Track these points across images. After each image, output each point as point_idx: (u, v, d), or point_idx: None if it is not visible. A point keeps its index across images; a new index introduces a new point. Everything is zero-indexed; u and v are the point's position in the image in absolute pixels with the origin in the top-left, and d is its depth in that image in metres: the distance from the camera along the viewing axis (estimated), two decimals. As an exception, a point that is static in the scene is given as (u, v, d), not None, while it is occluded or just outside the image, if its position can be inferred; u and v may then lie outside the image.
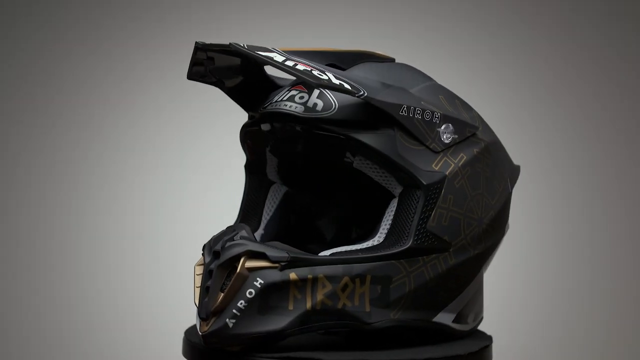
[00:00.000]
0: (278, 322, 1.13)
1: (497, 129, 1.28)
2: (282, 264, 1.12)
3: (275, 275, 1.12)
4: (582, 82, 2.07)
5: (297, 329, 1.13)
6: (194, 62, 1.20)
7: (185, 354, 1.21)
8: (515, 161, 1.32)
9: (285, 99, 1.20)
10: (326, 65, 1.21)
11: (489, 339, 1.24)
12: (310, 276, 1.13)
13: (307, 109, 1.17)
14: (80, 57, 2.05)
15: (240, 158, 2.06)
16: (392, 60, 1.25)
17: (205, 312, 1.14)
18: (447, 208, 1.15)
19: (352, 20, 2.07)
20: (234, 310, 1.12)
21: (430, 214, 1.15)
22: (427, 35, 2.06)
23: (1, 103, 2.04)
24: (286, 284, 1.12)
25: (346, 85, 1.12)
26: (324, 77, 1.11)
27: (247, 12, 2.07)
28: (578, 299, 2.02)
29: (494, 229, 1.21)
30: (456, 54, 2.05)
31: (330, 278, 1.13)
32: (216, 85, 1.25)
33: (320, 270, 1.13)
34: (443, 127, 1.17)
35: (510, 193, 1.24)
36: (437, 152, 1.16)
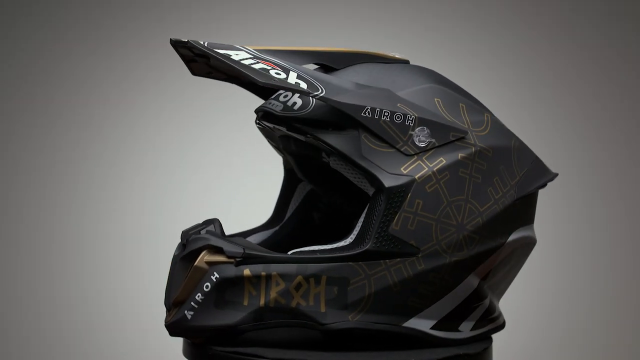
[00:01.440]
0: (232, 317, 1.15)
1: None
2: (237, 259, 1.14)
3: (231, 271, 1.14)
4: (582, 82, 2.07)
5: (252, 325, 1.15)
6: (187, 60, 1.20)
7: (185, 353, 1.21)
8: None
9: (274, 97, 1.21)
10: (318, 65, 1.22)
11: (474, 347, 1.21)
12: (263, 273, 1.14)
13: (285, 107, 1.18)
14: (80, 57, 2.05)
15: (240, 158, 2.06)
16: (404, 61, 1.24)
17: (168, 302, 1.17)
18: (414, 212, 1.13)
19: (352, 20, 2.07)
20: (192, 303, 1.15)
21: (393, 218, 1.13)
22: (427, 35, 2.06)
23: (1, 103, 2.05)
24: (240, 280, 1.14)
25: (302, 85, 1.11)
26: (280, 76, 1.11)
27: (247, 12, 2.07)
28: (578, 299, 2.02)
29: (484, 236, 1.17)
30: (456, 54, 2.05)
31: (283, 276, 1.14)
32: (230, 82, 1.25)
33: (274, 268, 1.14)
34: (417, 130, 1.15)
35: (518, 201, 1.20)
36: (410, 155, 1.14)
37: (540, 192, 1.26)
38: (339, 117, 1.14)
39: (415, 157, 1.15)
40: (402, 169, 1.14)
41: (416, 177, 1.14)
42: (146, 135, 2.05)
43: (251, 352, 1.15)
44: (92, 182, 2.04)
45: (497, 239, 1.18)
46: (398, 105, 1.15)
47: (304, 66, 1.18)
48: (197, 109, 2.04)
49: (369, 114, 1.14)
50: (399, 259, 1.14)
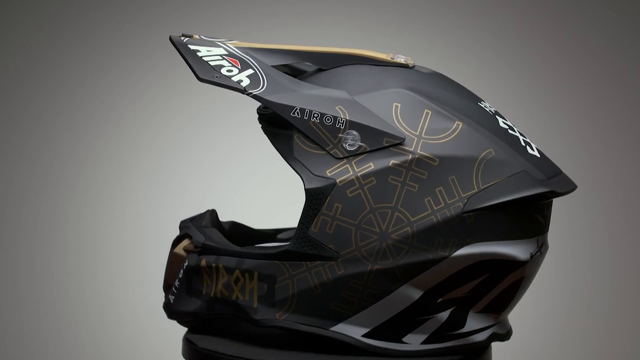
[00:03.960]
0: (194, 305, 1.19)
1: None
2: (198, 249, 1.19)
3: (193, 260, 1.19)
4: (582, 81, 2.07)
5: (206, 314, 1.19)
6: None
7: (185, 354, 1.22)
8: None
9: None
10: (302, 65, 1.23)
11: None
12: (214, 264, 1.17)
13: (264, 105, 1.20)
14: (81, 57, 2.06)
15: (240, 159, 2.06)
16: (402, 65, 1.21)
17: (164, 285, 1.25)
18: (332, 216, 1.12)
19: (352, 20, 2.07)
20: (173, 288, 1.22)
21: (312, 220, 1.12)
22: (427, 35, 2.06)
23: (1, 103, 2.05)
24: (199, 269, 1.19)
25: (244, 83, 1.14)
26: (231, 73, 1.14)
27: (246, 13, 2.07)
28: (578, 298, 2.02)
29: (415, 247, 1.13)
30: (456, 54, 2.05)
31: (227, 269, 1.17)
32: None
33: (222, 261, 1.17)
34: (345, 133, 1.13)
35: (469, 214, 1.14)
36: (339, 159, 1.13)
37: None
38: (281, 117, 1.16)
39: (345, 160, 1.13)
40: (327, 171, 1.13)
41: (337, 180, 1.13)
42: (146, 135, 2.05)
43: (189, 337, 1.20)
44: (92, 182, 2.04)
45: (436, 252, 1.13)
46: (336, 107, 1.14)
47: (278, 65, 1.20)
48: (197, 109, 2.05)
49: (298, 114, 1.13)
50: (318, 262, 1.13)
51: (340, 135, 1.13)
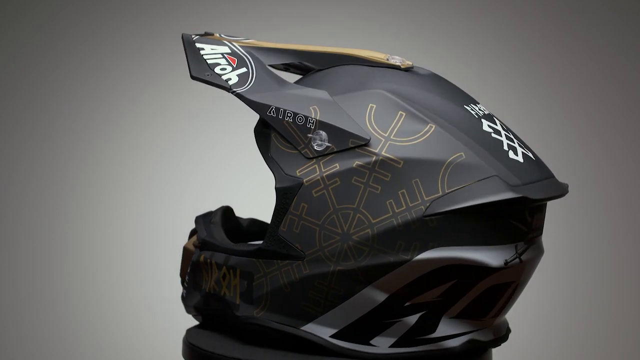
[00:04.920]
0: (196, 299, 1.22)
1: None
2: (199, 244, 1.22)
3: (196, 255, 1.22)
4: (582, 81, 2.07)
5: (204, 309, 1.21)
6: None
7: (184, 354, 1.22)
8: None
9: None
10: (298, 64, 1.24)
11: None
12: (209, 260, 1.20)
13: None
14: (81, 57, 2.06)
15: (240, 159, 2.06)
16: (394, 66, 1.19)
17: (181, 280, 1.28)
18: (299, 216, 1.12)
19: (352, 20, 2.07)
20: (185, 282, 1.24)
21: (282, 219, 1.13)
22: (427, 35, 2.06)
23: (1, 103, 2.05)
24: (199, 264, 1.21)
25: (231, 82, 1.15)
26: (224, 71, 1.16)
27: (247, 13, 2.07)
28: (578, 298, 2.02)
29: (375, 249, 1.12)
30: (456, 54, 2.05)
31: (217, 265, 1.19)
32: None
33: (215, 257, 1.19)
34: (314, 133, 1.13)
35: (431, 217, 1.11)
36: (310, 159, 1.13)
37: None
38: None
39: (314, 160, 1.13)
40: (297, 171, 1.13)
41: (305, 180, 1.12)
42: (146, 135, 2.05)
43: (187, 333, 1.23)
44: (92, 182, 2.04)
45: (397, 254, 1.12)
46: (310, 107, 1.14)
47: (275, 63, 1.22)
48: (197, 109, 2.05)
49: (273, 114, 1.14)
50: (287, 261, 1.14)
51: (310, 135, 1.13)
